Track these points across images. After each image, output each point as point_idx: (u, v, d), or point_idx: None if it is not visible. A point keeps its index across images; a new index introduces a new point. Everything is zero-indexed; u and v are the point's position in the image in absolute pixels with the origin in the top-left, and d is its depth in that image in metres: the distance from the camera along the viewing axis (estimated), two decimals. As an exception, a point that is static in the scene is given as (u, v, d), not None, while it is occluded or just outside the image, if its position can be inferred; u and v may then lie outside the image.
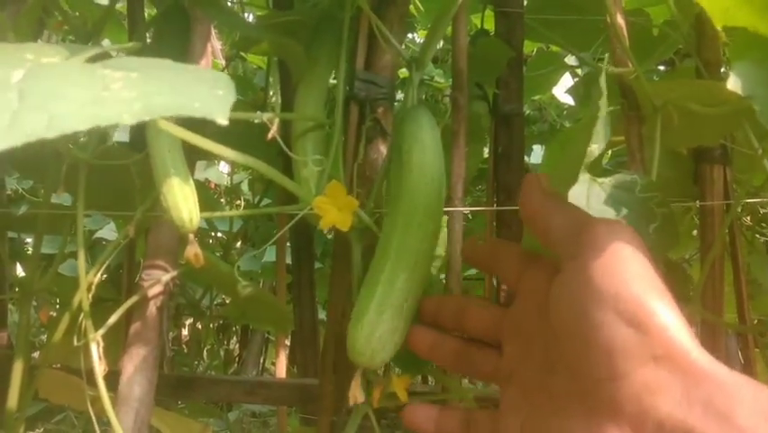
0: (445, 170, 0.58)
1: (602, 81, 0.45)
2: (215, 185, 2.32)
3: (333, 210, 0.53)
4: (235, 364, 2.83)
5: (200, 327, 2.56)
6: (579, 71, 1.57)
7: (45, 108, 0.25)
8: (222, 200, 2.27)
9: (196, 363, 2.32)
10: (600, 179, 0.57)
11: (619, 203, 0.58)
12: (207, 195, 1.72)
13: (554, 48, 1.49)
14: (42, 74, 0.29)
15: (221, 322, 2.69)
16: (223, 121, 0.30)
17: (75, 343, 0.57)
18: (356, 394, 0.52)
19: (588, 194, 0.56)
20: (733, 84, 0.46)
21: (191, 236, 0.55)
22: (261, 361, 2.66)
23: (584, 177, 0.53)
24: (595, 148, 0.50)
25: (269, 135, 0.54)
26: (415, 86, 0.59)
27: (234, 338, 3.09)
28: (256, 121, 0.82)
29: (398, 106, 0.67)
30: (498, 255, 0.51)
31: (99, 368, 0.56)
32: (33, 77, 0.28)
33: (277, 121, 0.56)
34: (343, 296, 0.62)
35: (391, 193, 0.56)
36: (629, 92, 0.75)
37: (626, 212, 0.58)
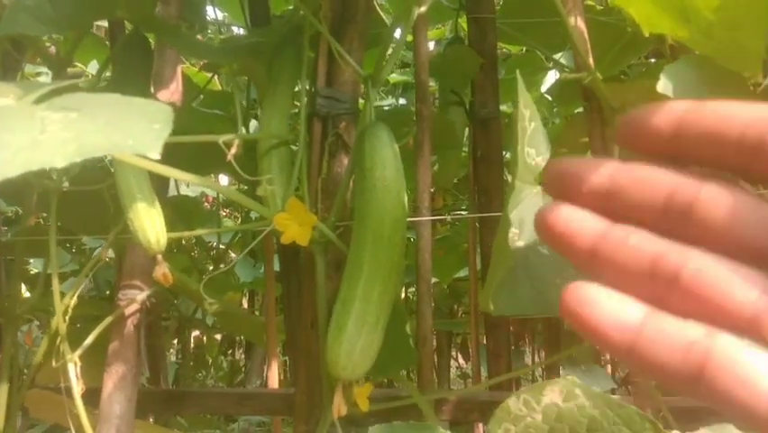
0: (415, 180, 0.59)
1: (523, 96, 0.47)
2: (213, 198, 2.34)
3: (294, 226, 0.55)
4: (241, 375, 2.85)
5: (204, 338, 2.59)
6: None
7: (-22, 156, 0.27)
8: (221, 212, 2.29)
9: (200, 374, 2.35)
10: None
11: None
12: (200, 209, 1.74)
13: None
14: (-18, 120, 0.31)
15: (225, 333, 2.71)
16: (155, 156, 0.32)
17: (53, 364, 0.59)
18: (339, 407, 0.54)
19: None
20: (663, 86, 0.48)
21: (159, 257, 0.57)
22: (265, 370, 2.68)
23: (536, 189, 0.54)
24: (540, 160, 0.51)
25: (228, 157, 0.56)
26: (372, 101, 0.61)
27: (240, 349, 3.11)
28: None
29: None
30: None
31: (77, 388, 0.58)
32: (-28, 124, 0.30)
33: (237, 141, 0.58)
34: (312, 307, 0.64)
35: (356, 209, 0.58)
36: (590, 95, 0.77)
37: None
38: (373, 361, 0.53)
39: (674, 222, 0.27)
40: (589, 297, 0.26)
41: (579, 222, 0.28)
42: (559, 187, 0.29)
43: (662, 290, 0.26)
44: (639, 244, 0.27)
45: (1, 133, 0.31)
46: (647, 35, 0.45)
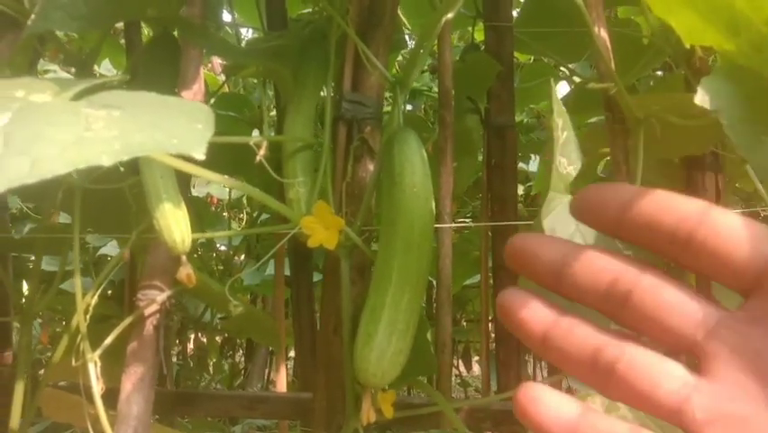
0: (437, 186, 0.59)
1: (557, 105, 0.46)
2: (218, 199, 2.34)
3: (321, 229, 0.55)
4: (241, 377, 2.85)
5: (205, 340, 2.58)
6: (576, 79, 1.59)
7: (28, 152, 0.27)
8: (225, 214, 2.29)
9: (200, 376, 2.34)
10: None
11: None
12: (208, 211, 1.74)
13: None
14: (28, 116, 0.31)
15: (226, 336, 2.70)
16: (200, 156, 0.32)
17: (73, 363, 0.59)
18: (368, 414, 0.54)
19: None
20: (700, 98, 0.47)
21: (184, 258, 0.57)
22: (266, 373, 2.67)
23: (568, 198, 0.53)
24: (571, 170, 0.51)
25: (257, 159, 0.56)
26: (400, 107, 0.61)
27: (240, 351, 3.10)
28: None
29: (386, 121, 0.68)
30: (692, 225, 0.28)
31: (97, 387, 0.58)
32: (19, 120, 0.30)
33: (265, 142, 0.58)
34: (335, 312, 0.64)
35: (383, 214, 0.58)
36: (613, 105, 0.77)
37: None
38: (402, 368, 0.53)
39: (614, 307, 0.30)
40: (536, 396, 0.29)
41: (532, 310, 0.31)
42: (518, 262, 0.32)
43: (602, 377, 0.29)
44: (583, 335, 0.30)
45: (46, 130, 0.31)
46: (688, 47, 0.45)
